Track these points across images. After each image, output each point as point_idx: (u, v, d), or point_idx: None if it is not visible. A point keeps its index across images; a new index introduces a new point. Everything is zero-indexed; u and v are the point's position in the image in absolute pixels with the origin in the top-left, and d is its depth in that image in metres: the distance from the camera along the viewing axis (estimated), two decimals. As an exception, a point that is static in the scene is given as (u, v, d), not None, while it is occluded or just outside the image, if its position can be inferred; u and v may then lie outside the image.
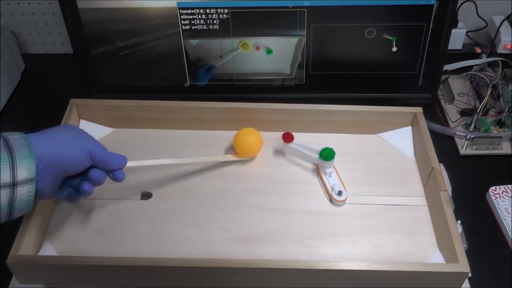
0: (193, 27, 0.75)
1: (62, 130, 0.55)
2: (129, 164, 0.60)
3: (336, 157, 0.72)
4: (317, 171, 0.69)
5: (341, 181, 0.67)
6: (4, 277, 0.58)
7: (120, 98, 0.73)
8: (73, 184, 0.57)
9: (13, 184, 0.47)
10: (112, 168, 0.57)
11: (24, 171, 0.48)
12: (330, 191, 0.66)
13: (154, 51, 0.77)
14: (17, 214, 0.49)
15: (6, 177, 0.46)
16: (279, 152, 0.73)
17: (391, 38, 0.75)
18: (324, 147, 0.67)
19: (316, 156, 0.68)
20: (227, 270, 0.55)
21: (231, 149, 0.72)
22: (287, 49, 0.77)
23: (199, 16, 0.74)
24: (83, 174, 0.56)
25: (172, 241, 0.61)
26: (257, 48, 0.77)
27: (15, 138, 0.49)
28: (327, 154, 0.67)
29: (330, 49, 0.78)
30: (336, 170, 0.69)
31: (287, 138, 0.69)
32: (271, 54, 0.77)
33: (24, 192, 0.48)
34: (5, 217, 0.49)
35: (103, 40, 0.76)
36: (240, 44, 0.76)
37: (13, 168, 0.47)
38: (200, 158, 0.69)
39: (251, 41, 0.76)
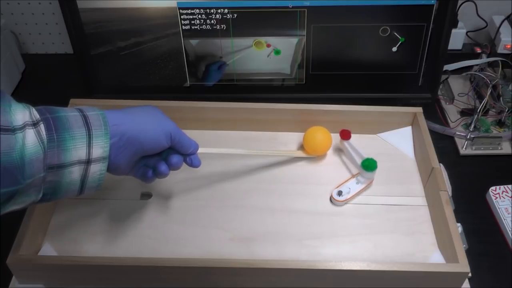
0: (193, 27, 0.75)
1: (144, 110, 0.56)
2: (201, 150, 0.60)
3: (335, 157, 0.72)
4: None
5: (357, 193, 0.67)
6: (4, 277, 0.58)
7: (120, 98, 0.73)
8: (148, 163, 0.57)
9: (88, 161, 0.47)
10: (186, 152, 0.58)
11: (99, 149, 0.48)
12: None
13: (154, 51, 0.77)
14: (87, 191, 0.50)
15: (82, 154, 0.47)
16: (279, 152, 0.73)
17: (399, 38, 0.75)
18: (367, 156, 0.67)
19: (359, 162, 0.67)
20: (227, 270, 0.55)
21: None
22: (287, 49, 0.77)
23: (199, 16, 0.74)
24: (159, 155, 0.57)
25: (172, 241, 0.61)
26: (268, 45, 0.76)
27: (93, 115, 0.49)
28: (367, 164, 0.66)
29: (330, 49, 0.77)
30: (368, 185, 0.67)
31: (344, 135, 0.70)
32: (279, 54, 0.77)
33: (96, 169, 0.48)
34: (76, 193, 0.49)
35: (103, 40, 0.76)
36: (254, 43, 0.76)
37: (89, 146, 0.47)
38: (269, 151, 0.71)
39: (254, 40, 0.76)
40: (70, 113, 0.48)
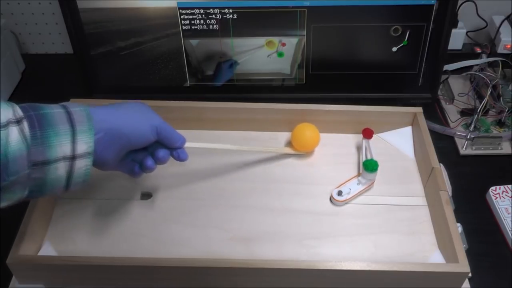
0: (193, 27, 0.75)
1: (130, 105, 0.56)
2: (188, 144, 0.60)
3: (335, 157, 0.72)
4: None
5: (357, 193, 0.66)
6: (4, 277, 0.58)
7: (120, 98, 0.72)
8: (135, 158, 0.58)
9: (73, 157, 0.48)
10: (173, 146, 0.59)
11: (83, 145, 0.48)
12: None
13: (154, 51, 0.77)
14: (74, 187, 0.50)
15: (67, 150, 0.47)
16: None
17: (404, 40, 0.76)
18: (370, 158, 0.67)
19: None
20: (227, 270, 0.55)
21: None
22: (287, 49, 0.77)
23: (199, 16, 0.74)
24: (146, 149, 0.58)
25: (172, 241, 0.61)
26: (283, 44, 0.77)
27: (77, 111, 0.49)
28: (368, 164, 0.65)
29: (330, 49, 0.78)
30: (369, 186, 0.67)
31: (366, 134, 0.70)
32: (282, 57, 0.78)
33: (82, 165, 0.49)
34: (62, 189, 0.49)
35: (103, 40, 0.76)
36: (266, 42, 0.76)
37: (74, 142, 0.48)
38: (259, 147, 0.72)
39: (252, 41, 0.76)
40: (54, 110, 0.48)
